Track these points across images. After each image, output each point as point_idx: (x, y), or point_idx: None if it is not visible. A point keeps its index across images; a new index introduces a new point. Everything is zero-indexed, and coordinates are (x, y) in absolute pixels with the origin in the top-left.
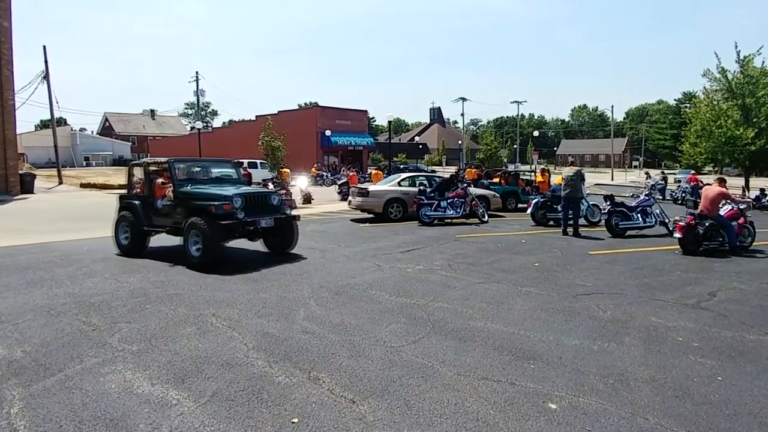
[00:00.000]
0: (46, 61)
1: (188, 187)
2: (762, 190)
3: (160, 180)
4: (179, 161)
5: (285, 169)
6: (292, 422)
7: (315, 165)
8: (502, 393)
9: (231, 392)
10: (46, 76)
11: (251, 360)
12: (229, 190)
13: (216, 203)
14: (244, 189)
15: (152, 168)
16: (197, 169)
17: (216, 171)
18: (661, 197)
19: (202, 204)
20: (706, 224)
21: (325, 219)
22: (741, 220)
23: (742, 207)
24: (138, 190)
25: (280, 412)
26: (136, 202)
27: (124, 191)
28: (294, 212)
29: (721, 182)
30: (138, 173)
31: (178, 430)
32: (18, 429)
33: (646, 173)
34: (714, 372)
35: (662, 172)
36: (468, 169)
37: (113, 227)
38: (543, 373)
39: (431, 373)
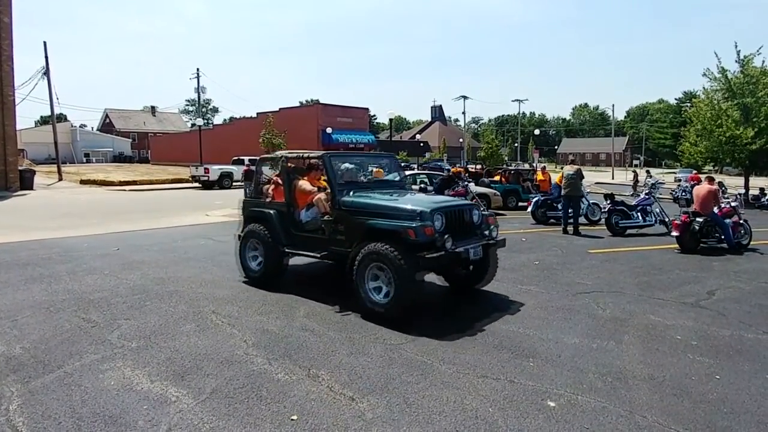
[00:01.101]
0: (46, 57)
1: (352, 196)
2: (762, 189)
3: (302, 182)
4: (337, 156)
5: None
6: (292, 419)
7: None
8: (501, 391)
9: (230, 389)
10: (46, 72)
11: (251, 357)
12: (418, 202)
13: (413, 225)
14: (439, 200)
15: (293, 164)
16: (354, 166)
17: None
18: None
19: (385, 224)
20: (701, 221)
21: None
22: (735, 219)
23: (734, 204)
24: (270, 195)
25: (279, 410)
26: (271, 212)
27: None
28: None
29: (711, 181)
30: (269, 171)
31: (177, 427)
32: (17, 425)
33: (634, 172)
34: (712, 370)
35: (647, 171)
36: (453, 168)
37: (237, 246)
38: (542, 371)
39: (430, 371)
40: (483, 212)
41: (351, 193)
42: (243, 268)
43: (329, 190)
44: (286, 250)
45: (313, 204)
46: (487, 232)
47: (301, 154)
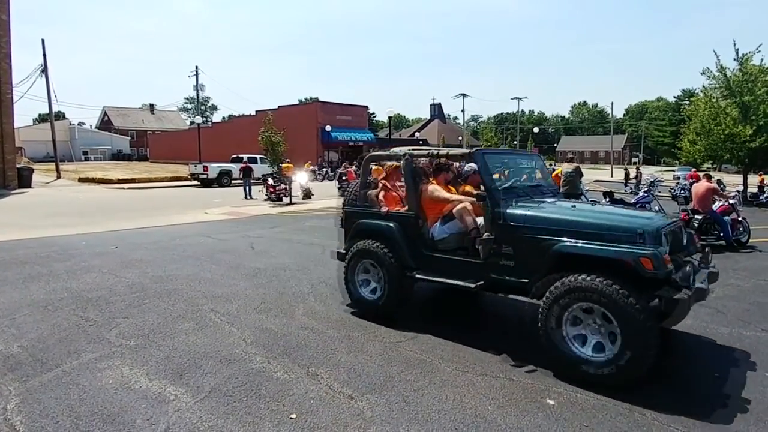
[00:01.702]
0: (44, 55)
1: (521, 207)
2: (760, 187)
3: (432, 187)
4: (491, 154)
5: (288, 164)
6: (291, 418)
7: (308, 162)
8: (501, 389)
9: (229, 388)
10: (44, 70)
11: (250, 355)
12: (627, 218)
13: (647, 252)
14: (650, 215)
15: (421, 163)
16: (509, 168)
17: (527, 171)
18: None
19: (595, 249)
20: (700, 218)
21: (324, 214)
22: (734, 216)
23: (732, 202)
24: (381, 202)
25: (278, 408)
26: (391, 226)
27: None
28: (294, 207)
29: (708, 178)
30: (377, 170)
31: (175, 426)
32: (15, 424)
33: (625, 170)
34: (711, 368)
35: (637, 168)
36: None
37: (344, 271)
38: (541, 368)
39: (430, 369)
40: (688, 230)
41: (515, 203)
42: (351, 295)
43: (474, 198)
44: (416, 276)
45: (453, 216)
46: (700, 256)
47: (432, 151)
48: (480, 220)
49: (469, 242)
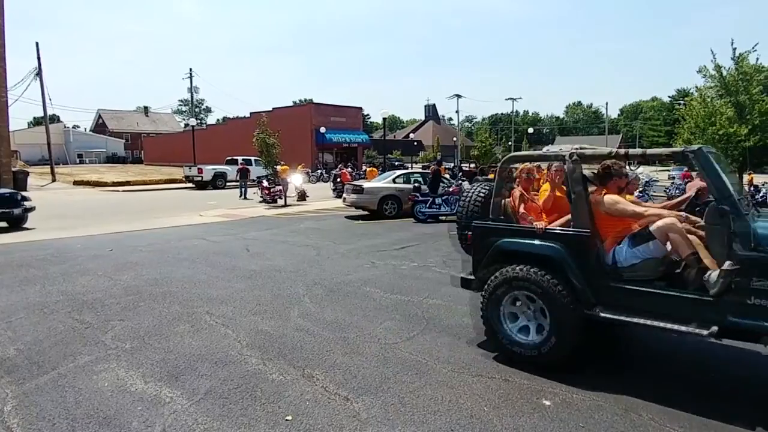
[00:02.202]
0: (38, 58)
1: None
2: (756, 186)
3: (611, 198)
4: (714, 153)
5: (284, 166)
6: (286, 420)
7: (301, 164)
8: (497, 389)
9: (225, 390)
10: (39, 73)
11: (245, 357)
12: None
13: None
14: None
15: (595, 169)
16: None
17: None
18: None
19: None
20: None
21: (319, 216)
22: None
23: None
24: (526, 216)
25: (273, 410)
26: (557, 248)
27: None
28: (289, 209)
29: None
30: (518, 175)
31: (171, 428)
32: (11, 427)
33: None
34: (710, 368)
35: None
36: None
37: (483, 305)
38: (537, 369)
39: (426, 370)
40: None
41: (756, 218)
42: (495, 336)
43: (679, 211)
44: (600, 314)
45: (649, 235)
46: None
47: (615, 151)
48: (692, 239)
49: (694, 271)
